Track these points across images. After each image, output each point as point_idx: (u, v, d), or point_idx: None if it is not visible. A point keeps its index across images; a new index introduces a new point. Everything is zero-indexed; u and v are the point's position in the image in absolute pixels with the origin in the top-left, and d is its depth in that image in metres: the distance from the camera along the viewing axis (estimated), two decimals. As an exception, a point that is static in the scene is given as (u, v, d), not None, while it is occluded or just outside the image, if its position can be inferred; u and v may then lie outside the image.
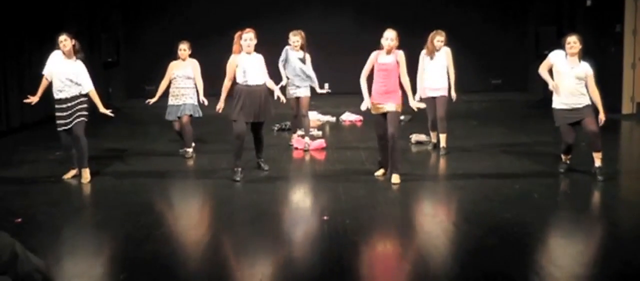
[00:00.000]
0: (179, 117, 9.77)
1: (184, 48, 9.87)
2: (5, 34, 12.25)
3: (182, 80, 9.78)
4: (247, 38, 8.48)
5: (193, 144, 9.91)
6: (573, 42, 8.06)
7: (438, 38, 9.78)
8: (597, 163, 8.05)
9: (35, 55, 13.26)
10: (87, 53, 13.75)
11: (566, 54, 8.10)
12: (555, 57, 8.23)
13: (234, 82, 8.52)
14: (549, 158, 9.35)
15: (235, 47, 8.54)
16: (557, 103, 8.23)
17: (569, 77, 8.09)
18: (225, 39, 17.87)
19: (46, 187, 8.08)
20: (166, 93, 9.94)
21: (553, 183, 7.99)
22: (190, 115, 9.76)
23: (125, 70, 17.08)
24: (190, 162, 9.57)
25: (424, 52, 9.88)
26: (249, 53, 8.53)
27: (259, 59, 8.62)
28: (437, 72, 9.79)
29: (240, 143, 8.29)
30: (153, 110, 14.06)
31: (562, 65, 8.11)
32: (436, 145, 10.04)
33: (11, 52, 12.45)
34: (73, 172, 8.49)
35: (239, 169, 8.31)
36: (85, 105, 8.34)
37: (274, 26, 15.89)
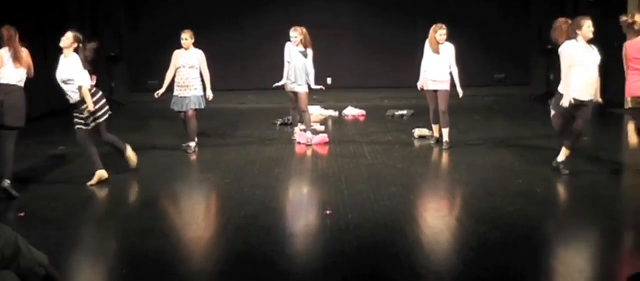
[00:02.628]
0: (184, 112, 9.74)
1: (185, 37, 9.80)
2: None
3: (186, 70, 9.73)
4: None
5: (196, 139, 9.88)
6: (592, 24, 7.49)
7: (440, 32, 9.70)
8: (561, 158, 7.95)
9: (38, 50, 13.24)
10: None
11: (577, 39, 7.61)
12: (572, 49, 7.57)
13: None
14: (552, 153, 9.33)
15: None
16: (578, 93, 7.56)
17: (592, 67, 7.61)
18: (229, 32, 17.87)
19: (48, 181, 8.08)
20: (173, 83, 9.91)
21: (556, 178, 7.96)
22: (195, 109, 9.73)
23: (128, 65, 17.07)
24: (193, 157, 9.57)
25: (427, 43, 9.84)
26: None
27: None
28: (440, 65, 9.73)
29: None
30: (156, 104, 14.08)
31: (583, 54, 7.52)
32: (439, 140, 10.01)
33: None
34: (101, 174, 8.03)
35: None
36: None
37: (275, 19, 15.93)
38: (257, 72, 16.22)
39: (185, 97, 9.72)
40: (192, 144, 9.79)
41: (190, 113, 9.71)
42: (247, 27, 17.13)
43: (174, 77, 9.82)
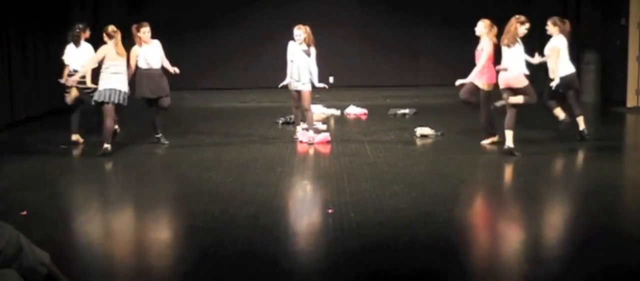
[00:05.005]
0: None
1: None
2: (11, 26, 12.25)
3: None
4: (145, 31, 10.00)
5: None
6: None
7: (526, 26, 9.25)
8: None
9: (40, 48, 13.28)
10: (92, 46, 13.71)
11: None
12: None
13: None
14: (553, 151, 9.34)
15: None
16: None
17: None
18: (230, 30, 17.88)
19: (51, 180, 8.09)
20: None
21: (558, 176, 7.98)
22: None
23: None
24: (195, 156, 9.56)
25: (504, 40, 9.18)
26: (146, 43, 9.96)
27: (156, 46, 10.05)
28: (521, 60, 9.22)
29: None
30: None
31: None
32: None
33: (16, 45, 12.44)
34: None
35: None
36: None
37: (277, 17, 15.92)
38: (259, 70, 16.23)
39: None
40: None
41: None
42: (249, 26, 17.12)
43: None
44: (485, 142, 9.72)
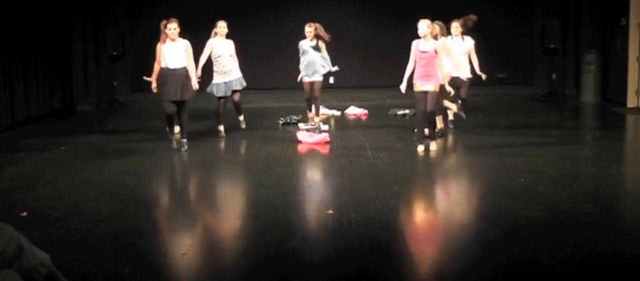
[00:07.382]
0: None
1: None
2: (11, 27, 12.25)
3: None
4: (171, 27, 9.64)
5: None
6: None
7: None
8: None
9: (41, 48, 13.28)
10: (93, 47, 13.76)
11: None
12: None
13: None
14: (554, 151, 9.34)
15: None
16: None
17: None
18: (231, 31, 17.95)
19: (51, 181, 8.09)
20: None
21: (558, 176, 7.97)
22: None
23: (131, 64, 17.08)
24: (196, 156, 9.56)
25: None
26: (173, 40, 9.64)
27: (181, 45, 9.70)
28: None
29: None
30: (158, 103, 14.11)
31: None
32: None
33: (16, 45, 12.45)
34: None
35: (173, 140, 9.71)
36: None
37: (278, 20, 15.95)
38: (260, 71, 16.23)
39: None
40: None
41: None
42: (250, 28, 17.12)
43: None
44: (434, 147, 9.35)
